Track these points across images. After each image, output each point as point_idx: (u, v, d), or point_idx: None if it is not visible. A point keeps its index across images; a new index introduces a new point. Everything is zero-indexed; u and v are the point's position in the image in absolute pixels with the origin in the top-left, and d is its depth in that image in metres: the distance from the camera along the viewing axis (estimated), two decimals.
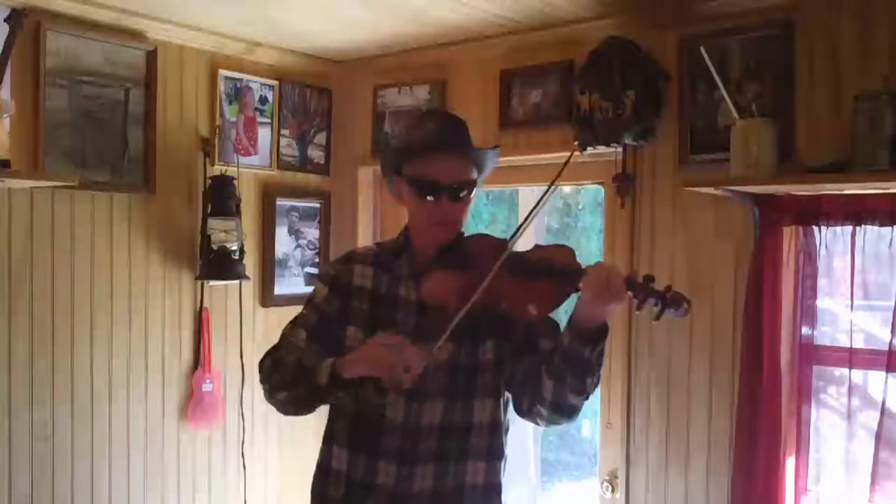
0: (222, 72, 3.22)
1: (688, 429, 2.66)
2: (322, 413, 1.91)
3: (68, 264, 2.83)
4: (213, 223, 3.13)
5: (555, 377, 1.68)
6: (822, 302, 2.47)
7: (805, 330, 2.46)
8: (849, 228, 2.33)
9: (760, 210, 2.44)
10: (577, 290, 1.64)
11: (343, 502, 1.86)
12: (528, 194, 3.29)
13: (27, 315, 2.72)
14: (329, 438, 1.92)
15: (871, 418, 2.32)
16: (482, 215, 3.99)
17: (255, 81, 3.35)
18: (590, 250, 3.75)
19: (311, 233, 3.59)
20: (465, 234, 1.90)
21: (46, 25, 2.69)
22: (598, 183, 2.97)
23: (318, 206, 3.61)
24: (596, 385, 1.71)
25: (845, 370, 2.38)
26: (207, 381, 3.19)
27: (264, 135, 3.39)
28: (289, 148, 3.50)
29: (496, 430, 1.87)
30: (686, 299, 1.54)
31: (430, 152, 1.82)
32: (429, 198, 1.81)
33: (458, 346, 1.79)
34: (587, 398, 1.72)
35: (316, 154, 3.61)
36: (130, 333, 3.00)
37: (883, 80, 2.18)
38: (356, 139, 3.58)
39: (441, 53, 3.23)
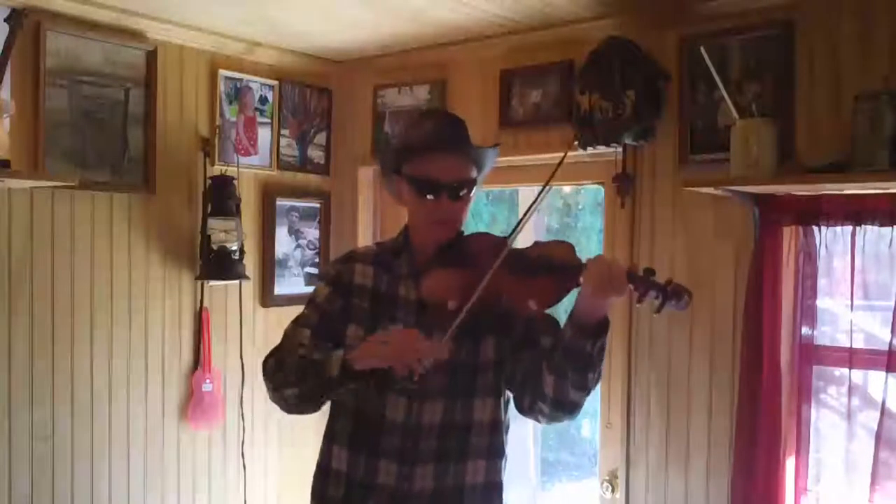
0: (222, 72, 3.22)
1: (688, 429, 2.66)
2: (322, 413, 1.91)
3: (68, 264, 2.83)
4: (213, 223, 3.13)
5: (556, 373, 1.68)
6: (822, 302, 2.46)
7: (805, 330, 2.46)
8: (849, 228, 2.33)
9: (760, 210, 2.44)
10: (578, 284, 1.63)
11: (343, 502, 1.86)
12: (528, 194, 3.28)
13: (27, 315, 2.72)
14: (329, 438, 1.92)
15: (871, 418, 2.32)
16: (482, 215, 3.98)
17: (255, 81, 3.35)
18: (590, 250, 3.74)
19: (311, 233, 3.59)
20: (465, 233, 1.90)
21: (46, 25, 2.69)
22: (598, 183, 2.98)
23: (318, 206, 3.61)
24: (597, 380, 1.71)
25: (845, 370, 2.38)
26: (207, 381, 3.19)
27: (264, 135, 3.39)
28: (289, 148, 3.50)
29: (497, 429, 1.87)
30: (687, 291, 1.53)
31: (430, 151, 1.82)
32: (428, 197, 1.81)
33: (458, 345, 1.79)
34: (588, 394, 1.72)
35: (316, 154, 3.61)
36: (130, 333, 3.00)
37: (883, 80, 2.18)
38: (356, 139, 3.58)
39: (441, 53, 3.23)
